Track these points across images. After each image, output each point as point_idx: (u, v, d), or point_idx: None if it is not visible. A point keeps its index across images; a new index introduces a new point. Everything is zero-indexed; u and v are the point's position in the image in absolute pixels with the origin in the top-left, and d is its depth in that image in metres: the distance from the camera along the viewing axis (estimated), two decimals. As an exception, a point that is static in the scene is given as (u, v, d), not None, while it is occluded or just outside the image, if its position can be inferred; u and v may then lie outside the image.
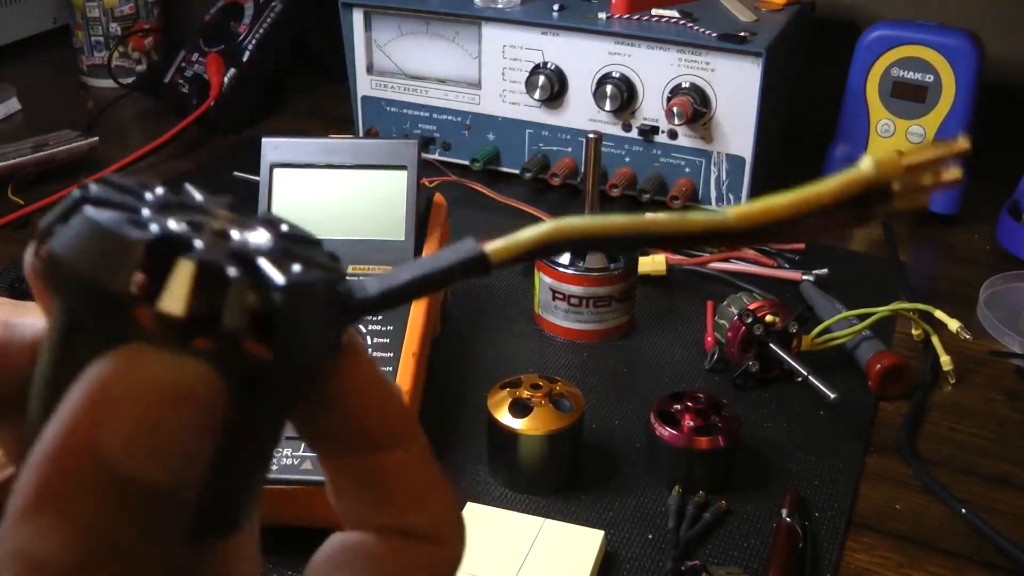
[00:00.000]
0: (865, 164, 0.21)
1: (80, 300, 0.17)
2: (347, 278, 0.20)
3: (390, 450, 0.21)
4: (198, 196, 0.20)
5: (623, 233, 0.22)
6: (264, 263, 0.18)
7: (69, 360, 0.18)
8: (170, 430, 0.17)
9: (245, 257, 0.18)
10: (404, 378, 0.56)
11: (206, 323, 0.17)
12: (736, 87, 0.83)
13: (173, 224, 0.18)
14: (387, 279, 0.21)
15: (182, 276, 0.17)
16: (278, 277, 0.18)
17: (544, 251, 0.22)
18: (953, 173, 0.22)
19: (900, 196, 0.22)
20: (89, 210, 0.17)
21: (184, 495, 0.17)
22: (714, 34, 0.84)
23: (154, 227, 0.17)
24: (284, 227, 0.20)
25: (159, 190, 0.19)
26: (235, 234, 0.19)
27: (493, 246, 0.21)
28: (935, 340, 0.69)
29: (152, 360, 0.17)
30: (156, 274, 0.17)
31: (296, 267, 0.18)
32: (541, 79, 0.89)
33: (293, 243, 0.20)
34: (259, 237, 0.19)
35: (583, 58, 0.88)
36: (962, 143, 0.22)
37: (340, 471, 0.22)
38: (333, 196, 0.65)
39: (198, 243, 0.17)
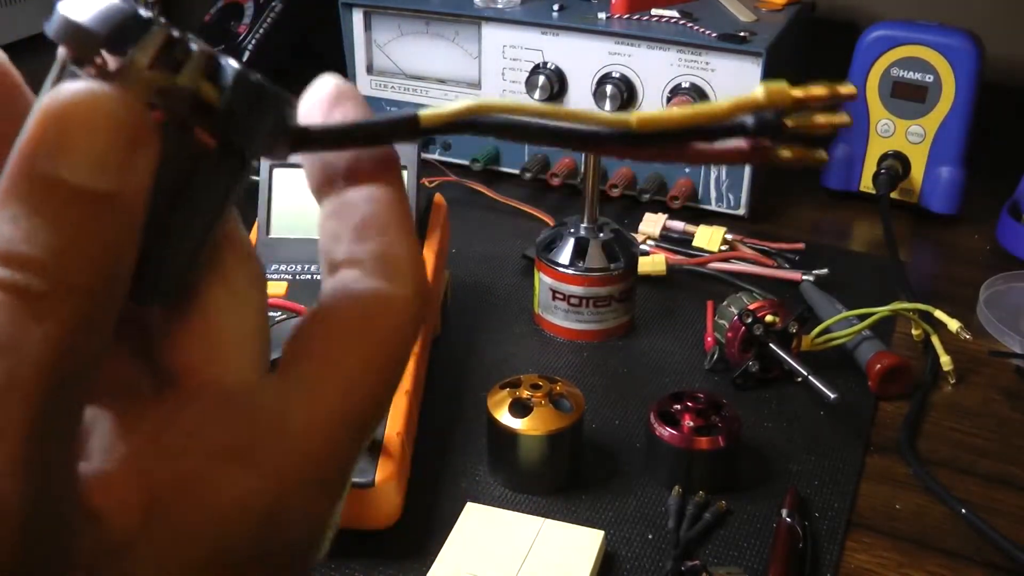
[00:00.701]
0: (757, 88, 0.23)
1: (75, 46, 0.21)
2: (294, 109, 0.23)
3: (359, 185, 0.24)
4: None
5: (537, 114, 0.23)
6: (225, 58, 0.21)
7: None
8: (109, 146, 0.19)
9: (211, 53, 0.21)
10: (404, 378, 0.56)
11: (164, 93, 0.20)
12: (736, 87, 0.83)
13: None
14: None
15: (155, 37, 0.20)
16: (233, 64, 0.21)
17: (470, 125, 0.23)
18: (842, 117, 0.24)
19: (792, 131, 0.23)
20: None
21: (126, 214, 0.19)
22: (714, 34, 0.84)
23: (147, 13, 0.21)
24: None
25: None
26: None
27: (424, 111, 0.23)
28: (935, 340, 0.69)
29: (101, 91, 0.19)
30: (135, 34, 0.20)
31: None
32: (541, 79, 0.89)
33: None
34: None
35: (583, 58, 0.88)
36: (849, 87, 0.24)
37: (322, 205, 0.25)
38: (333, 196, 0.65)
39: (175, 32, 0.21)
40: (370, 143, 0.23)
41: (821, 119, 0.24)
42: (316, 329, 0.22)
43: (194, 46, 0.21)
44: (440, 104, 0.23)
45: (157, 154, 0.20)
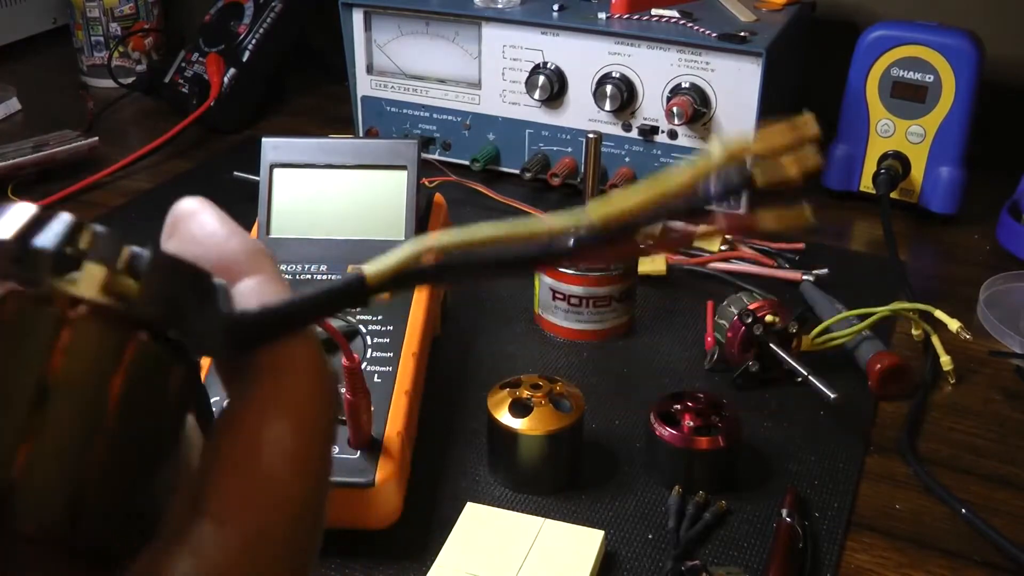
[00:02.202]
0: (712, 146, 0.21)
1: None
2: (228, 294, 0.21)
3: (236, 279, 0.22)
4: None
5: (487, 243, 0.21)
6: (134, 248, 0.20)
7: None
8: None
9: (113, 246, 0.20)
10: (404, 378, 0.56)
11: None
12: (736, 87, 0.83)
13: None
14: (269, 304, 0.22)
15: (46, 260, 0.19)
16: (144, 251, 0.20)
17: (418, 275, 0.22)
18: (813, 159, 0.21)
19: (763, 183, 0.21)
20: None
21: None
22: (714, 34, 0.84)
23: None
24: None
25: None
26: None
27: (369, 267, 0.21)
28: (935, 340, 0.69)
29: None
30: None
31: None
32: (541, 79, 0.89)
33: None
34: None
35: (583, 58, 0.88)
36: (810, 122, 0.21)
37: None
38: (333, 196, 0.65)
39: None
40: (319, 316, 0.22)
41: (792, 169, 0.21)
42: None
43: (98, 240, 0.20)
44: (385, 251, 0.21)
45: None
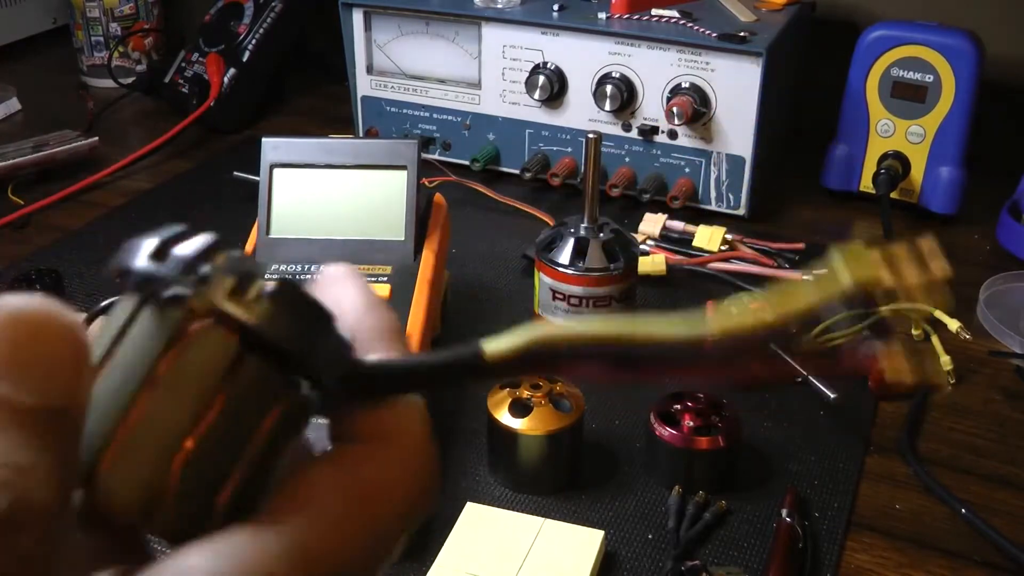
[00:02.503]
0: (839, 272, 0.20)
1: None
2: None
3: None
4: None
5: (604, 341, 0.22)
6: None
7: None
8: (33, 353, 0.19)
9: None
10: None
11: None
12: (736, 87, 0.83)
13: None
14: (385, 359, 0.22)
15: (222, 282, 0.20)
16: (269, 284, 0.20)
17: (539, 360, 0.22)
18: (942, 292, 0.20)
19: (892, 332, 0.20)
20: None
21: (63, 421, 0.19)
22: (714, 34, 0.84)
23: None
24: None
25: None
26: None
27: (489, 345, 0.22)
28: (935, 340, 0.69)
29: (37, 301, 0.19)
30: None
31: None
32: (541, 79, 0.89)
33: None
34: None
35: (583, 58, 0.88)
36: (934, 251, 0.21)
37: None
38: (333, 196, 0.65)
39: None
40: (435, 383, 0.22)
41: (923, 301, 0.20)
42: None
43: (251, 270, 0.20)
44: (501, 334, 0.21)
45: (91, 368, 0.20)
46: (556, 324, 0.21)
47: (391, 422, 0.22)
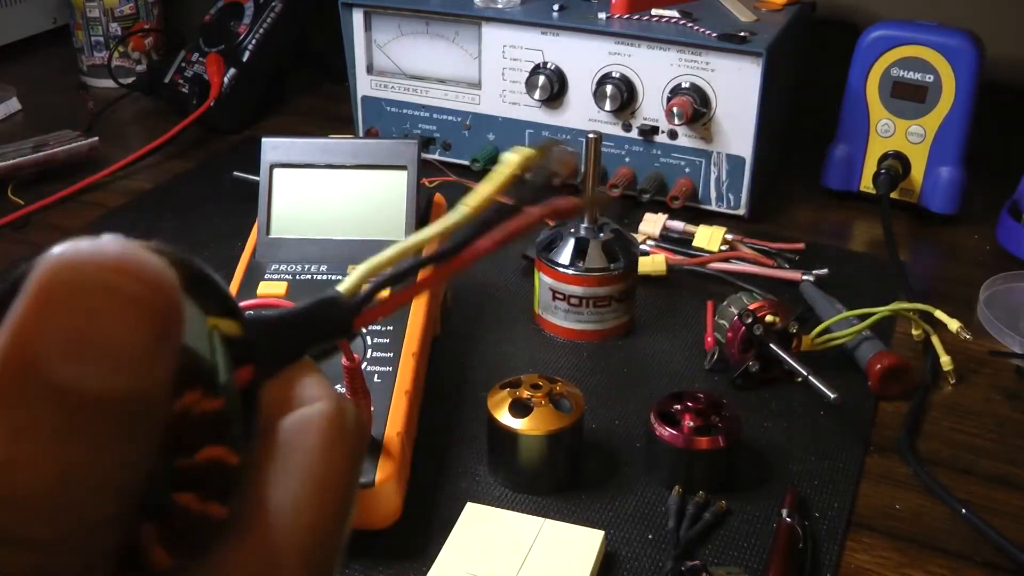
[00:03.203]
0: (506, 159, 0.24)
1: None
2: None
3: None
4: None
5: (400, 255, 0.24)
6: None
7: None
8: (116, 333, 0.15)
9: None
10: (404, 378, 0.56)
11: None
12: (736, 87, 0.83)
13: None
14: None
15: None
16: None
17: (379, 286, 0.23)
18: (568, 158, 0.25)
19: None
20: None
21: (143, 407, 0.15)
22: (714, 34, 0.84)
23: None
24: None
25: None
26: None
27: (340, 286, 0.23)
28: (935, 340, 0.69)
29: (92, 258, 0.15)
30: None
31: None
32: (541, 79, 0.89)
33: None
34: None
35: (583, 58, 0.88)
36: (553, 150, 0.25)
37: None
38: (333, 196, 0.65)
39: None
40: (310, 338, 0.23)
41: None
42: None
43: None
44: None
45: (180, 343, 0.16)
46: (371, 260, 0.23)
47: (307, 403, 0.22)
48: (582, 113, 0.90)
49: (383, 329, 0.59)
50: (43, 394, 0.14)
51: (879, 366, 0.65)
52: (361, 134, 1.01)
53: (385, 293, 0.23)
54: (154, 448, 0.16)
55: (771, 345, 0.64)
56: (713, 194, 0.88)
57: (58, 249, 0.15)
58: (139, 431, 0.15)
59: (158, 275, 0.15)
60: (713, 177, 0.88)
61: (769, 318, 0.65)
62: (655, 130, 0.88)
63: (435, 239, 0.24)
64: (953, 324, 0.69)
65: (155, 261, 0.16)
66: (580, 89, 0.89)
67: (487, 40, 0.91)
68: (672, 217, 0.84)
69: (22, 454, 0.14)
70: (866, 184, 0.91)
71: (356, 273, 0.23)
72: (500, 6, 0.91)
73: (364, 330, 0.58)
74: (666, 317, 0.74)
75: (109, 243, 0.15)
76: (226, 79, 1.05)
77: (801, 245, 0.82)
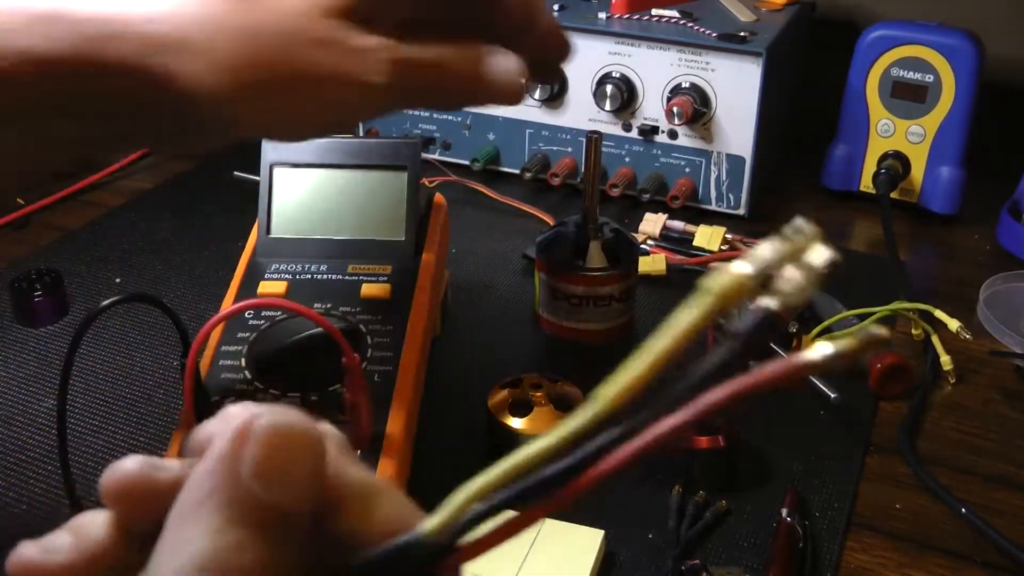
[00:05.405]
0: (709, 286, 0.18)
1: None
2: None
3: None
4: None
5: (522, 472, 0.21)
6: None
7: None
8: (290, 465, 0.21)
9: None
10: (404, 378, 0.56)
11: None
12: (736, 87, 0.83)
13: None
14: None
15: None
16: None
17: (478, 518, 0.22)
18: (823, 255, 0.20)
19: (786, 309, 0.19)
20: None
21: (300, 522, 0.22)
22: (714, 34, 0.84)
23: None
24: None
25: None
26: None
27: (426, 524, 0.23)
28: (935, 340, 0.69)
29: (292, 415, 0.22)
30: None
31: None
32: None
33: None
34: None
35: (583, 58, 0.88)
36: (804, 227, 0.20)
37: None
38: (333, 196, 0.65)
39: None
40: None
41: (805, 275, 0.17)
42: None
43: None
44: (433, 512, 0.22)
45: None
46: (472, 483, 0.21)
47: None
48: (582, 113, 0.90)
49: (383, 329, 0.59)
50: (239, 496, 0.21)
51: (879, 366, 0.65)
52: (361, 134, 1.00)
53: (485, 528, 0.20)
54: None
55: (771, 345, 0.64)
56: (713, 194, 0.88)
57: (247, 410, 0.22)
58: (294, 537, 0.22)
59: (319, 430, 0.22)
60: (713, 177, 0.88)
61: (769, 318, 0.64)
62: (655, 130, 0.88)
63: (559, 446, 0.19)
64: (953, 324, 0.69)
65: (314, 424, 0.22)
66: (580, 89, 0.89)
67: (487, 40, 0.91)
68: (672, 217, 0.84)
69: (232, 541, 0.21)
70: (866, 184, 0.91)
71: (454, 502, 0.21)
72: (500, 6, 0.91)
73: (364, 328, 0.58)
74: (666, 317, 0.74)
75: (288, 409, 0.22)
76: (226, 79, 1.05)
77: (801, 245, 0.82)
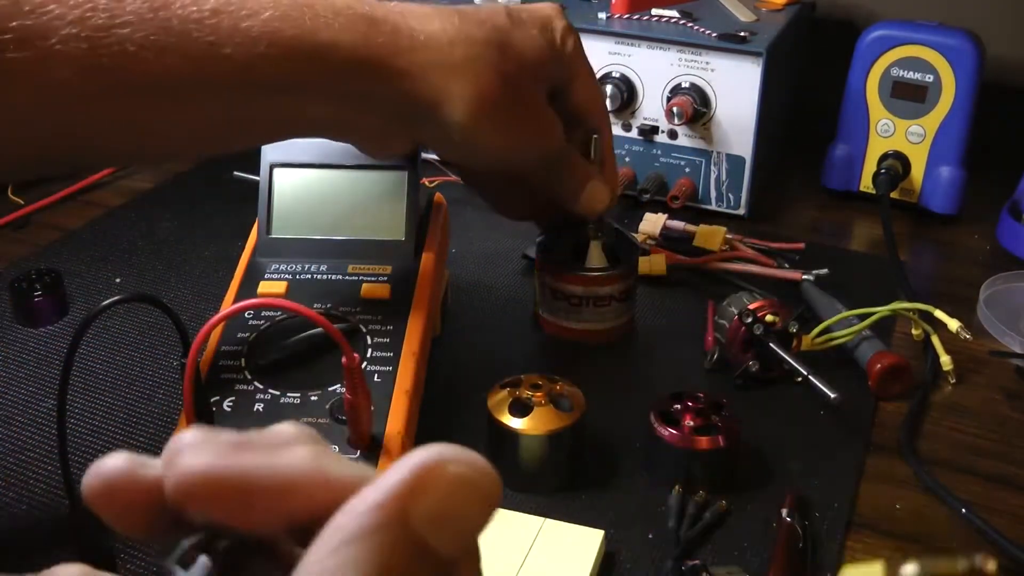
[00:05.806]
0: None
1: None
2: None
3: None
4: None
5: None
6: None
7: None
8: (466, 518, 0.22)
9: None
10: (404, 378, 0.56)
11: None
12: (736, 87, 0.83)
13: None
14: None
15: None
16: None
17: None
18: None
19: None
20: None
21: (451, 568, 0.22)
22: (714, 34, 0.84)
23: None
24: None
25: None
26: None
27: None
28: (935, 340, 0.69)
29: (478, 463, 0.22)
30: None
31: None
32: (541, 79, 0.89)
33: None
34: None
35: (583, 58, 0.88)
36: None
37: None
38: (333, 196, 0.65)
39: None
40: None
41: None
42: None
43: None
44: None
45: None
46: None
47: None
48: (582, 113, 0.90)
49: (383, 329, 0.59)
50: (404, 538, 0.21)
51: (879, 366, 0.65)
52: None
53: None
54: None
55: (771, 345, 0.64)
56: (713, 194, 0.88)
57: (432, 450, 0.22)
58: None
59: (498, 479, 0.23)
60: (713, 177, 0.88)
61: (769, 318, 0.65)
62: (655, 130, 0.88)
63: None
64: (953, 324, 0.69)
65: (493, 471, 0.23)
66: (580, 89, 0.89)
67: (487, 40, 0.91)
68: (672, 217, 0.84)
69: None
70: (866, 184, 0.91)
71: None
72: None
73: (364, 328, 0.58)
74: (666, 317, 0.74)
75: (462, 449, 0.22)
76: (226, 79, 1.05)
77: (801, 245, 0.82)
